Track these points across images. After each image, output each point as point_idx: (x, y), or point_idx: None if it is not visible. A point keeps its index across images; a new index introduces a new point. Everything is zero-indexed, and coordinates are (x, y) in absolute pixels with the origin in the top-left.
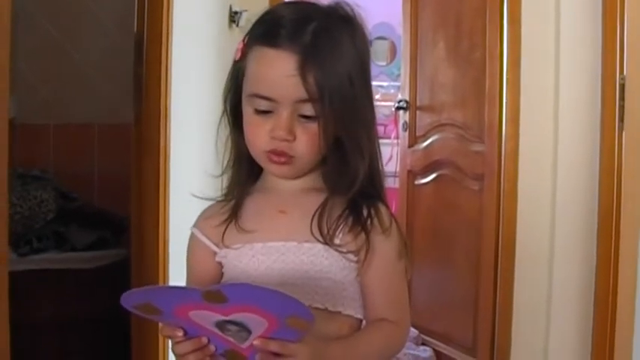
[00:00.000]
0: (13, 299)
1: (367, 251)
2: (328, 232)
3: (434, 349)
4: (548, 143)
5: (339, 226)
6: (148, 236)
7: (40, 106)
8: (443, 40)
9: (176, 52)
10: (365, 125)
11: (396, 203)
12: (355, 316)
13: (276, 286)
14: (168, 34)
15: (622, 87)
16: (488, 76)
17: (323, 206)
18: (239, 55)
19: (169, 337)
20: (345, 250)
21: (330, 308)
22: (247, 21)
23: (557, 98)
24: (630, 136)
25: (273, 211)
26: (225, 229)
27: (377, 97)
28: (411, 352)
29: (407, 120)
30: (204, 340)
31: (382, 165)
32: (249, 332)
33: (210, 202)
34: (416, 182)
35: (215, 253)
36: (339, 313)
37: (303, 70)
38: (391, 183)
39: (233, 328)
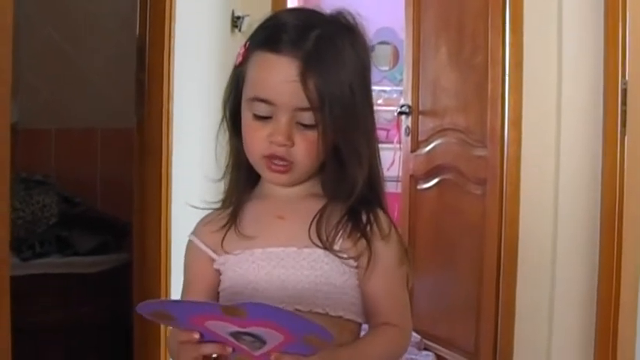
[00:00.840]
0: (15, 304)
1: (370, 258)
2: (327, 238)
3: (436, 354)
4: (550, 147)
5: (339, 232)
6: (149, 241)
7: (43, 111)
8: (445, 45)
9: (178, 57)
10: (364, 133)
11: (398, 208)
12: (356, 320)
13: (276, 291)
14: (170, 38)
15: (624, 92)
16: (490, 80)
17: (321, 212)
18: (240, 59)
19: (186, 341)
20: (345, 255)
21: (331, 313)
22: (249, 26)
23: (559, 103)
24: (632, 141)
25: (272, 217)
26: (225, 235)
27: (379, 101)
28: (413, 357)
29: (409, 125)
30: (229, 349)
31: (382, 171)
32: (264, 342)
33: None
34: (418, 187)
35: (213, 261)
36: (340, 317)
37: (304, 76)
38: (394, 188)
39: (248, 338)
